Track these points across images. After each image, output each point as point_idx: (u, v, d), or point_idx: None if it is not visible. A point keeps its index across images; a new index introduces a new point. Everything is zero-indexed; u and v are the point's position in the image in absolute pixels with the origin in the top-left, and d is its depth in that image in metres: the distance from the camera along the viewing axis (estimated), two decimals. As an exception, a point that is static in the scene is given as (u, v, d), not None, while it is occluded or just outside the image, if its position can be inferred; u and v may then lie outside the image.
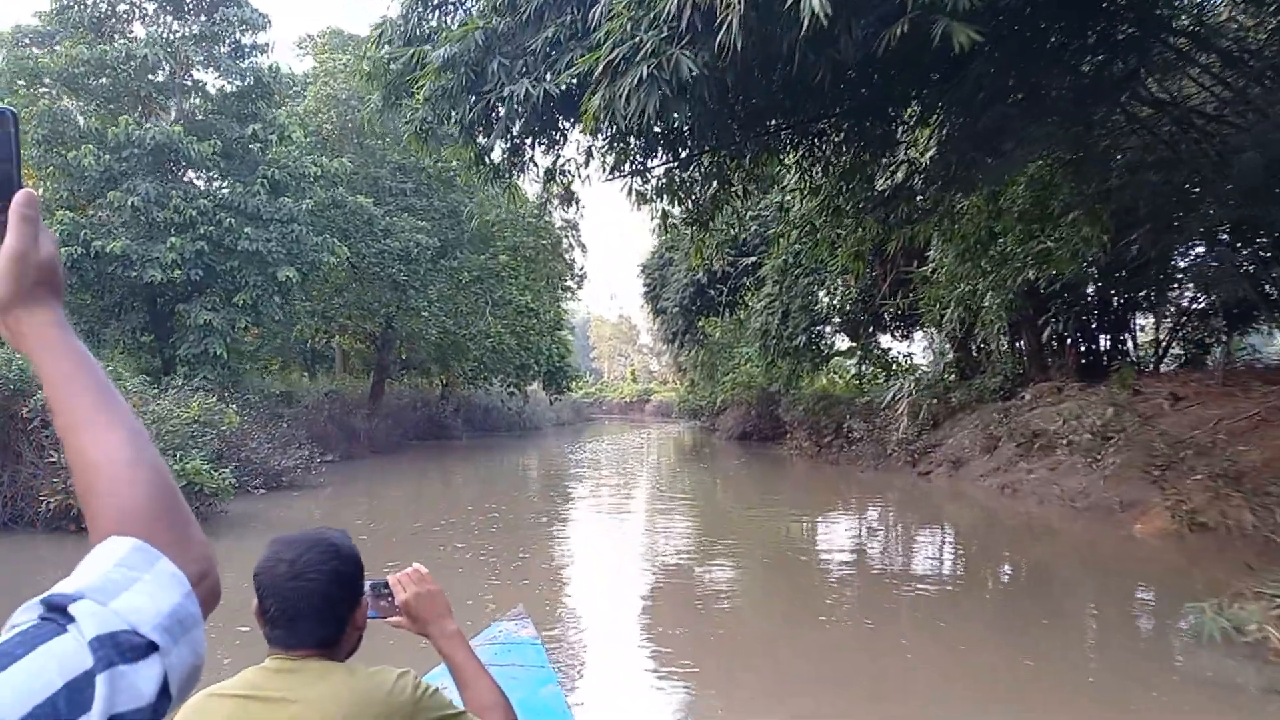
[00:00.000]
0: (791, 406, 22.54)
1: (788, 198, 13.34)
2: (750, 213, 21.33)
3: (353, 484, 15.36)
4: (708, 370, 27.70)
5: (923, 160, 10.25)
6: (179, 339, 15.91)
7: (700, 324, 23.34)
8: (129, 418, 0.69)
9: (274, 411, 16.75)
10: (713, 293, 21.59)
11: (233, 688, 1.42)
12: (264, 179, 16.44)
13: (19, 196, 0.67)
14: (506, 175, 9.31)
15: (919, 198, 10.52)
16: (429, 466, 20.06)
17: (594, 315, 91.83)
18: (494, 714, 1.56)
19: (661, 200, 10.62)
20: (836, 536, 11.94)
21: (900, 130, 10.13)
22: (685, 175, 10.59)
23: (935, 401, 17.20)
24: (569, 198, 9.71)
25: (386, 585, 1.65)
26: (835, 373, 26.59)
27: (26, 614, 0.56)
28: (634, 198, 10.53)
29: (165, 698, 0.57)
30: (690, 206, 10.78)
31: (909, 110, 9.85)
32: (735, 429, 30.14)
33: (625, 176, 10.45)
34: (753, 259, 20.68)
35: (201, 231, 15.48)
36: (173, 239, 15.06)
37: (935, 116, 9.56)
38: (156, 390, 11.92)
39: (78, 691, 0.51)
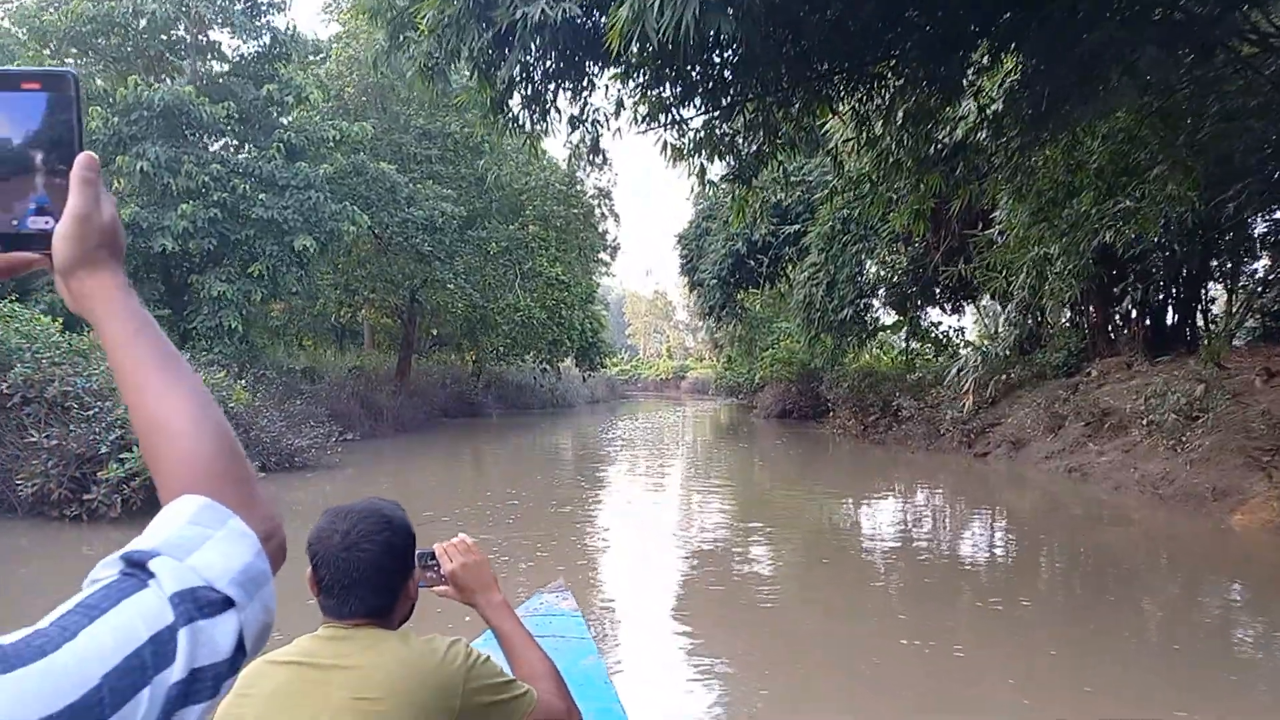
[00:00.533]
0: (835, 384, 21.42)
1: (840, 152, 12.24)
2: (794, 177, 20.20)
3: (375, 464, 14.60)
4: (746, 346, 26.63)
5: (993, 108, 9.10)
6: (193, 312, 15.23)
7: (739, 297, 22.26)
8: (192, 379, 0.69)
9: (294, 388, 16.06)
10: (752, 263, 20.47)
11: (287, 655, 1.43)
12: (280, 143, 15.66)
13: (80, 159, 0.67)
14: (526, 125, 8.37)
15: (988, 151, 9.38)
16: (458, 445, 19.32)
17: (629, 291, 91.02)
18: (542, 681, 1.57)
19: (700, 156, 9.60)
20: (884, 521, 10.94)
21: (969, 73, 8.98)
22: (726, 127, 9.56)
23: (1004, 378, 16.00)
24: (596, 151, 8.70)
25: (433, 555, 1.67)
26: (880, 349, 25.42)
27: (107, 569, 0.57)
28: (669, 153, 9.54)
29: (240, 652, 0.58)
30: (731, 162, 9.73)
31: (979, 52, 8.70)
32: (774, 407, 29.07)
33: (659, 128, 9.47)
34: (796, 227, 19.53)
35: (214, 198, 14.75)
36: (184, 206, 14.34)
37: (1011, 56, 8.40)
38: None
39: (162, 645, 0.53)
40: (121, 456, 7.79)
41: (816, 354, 20.95)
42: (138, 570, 0.56)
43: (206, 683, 0.55)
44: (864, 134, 9.08)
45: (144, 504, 7.79)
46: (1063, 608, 6.67)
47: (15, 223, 0.67)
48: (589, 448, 21.41)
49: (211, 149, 15.78)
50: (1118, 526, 9.89)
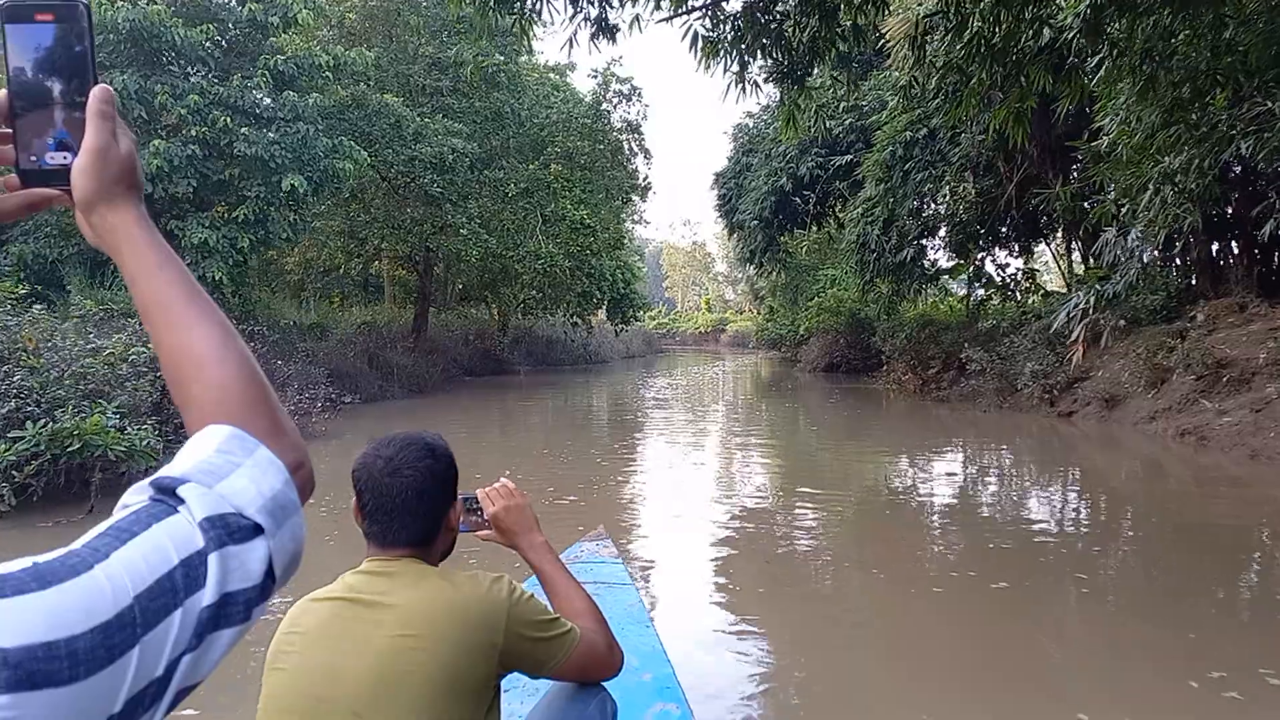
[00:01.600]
0: (890, 334, 19.39)
1: (907, 58, 10.16)
2: (845, 101, 18.02)
3: (373, 432, 12.98)
4: (790, 295, 24.59)
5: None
6: (175, 262, 13.70)
7: (783, 240, 20.25)
8: (215, 311, 0.70)
9: (290, 347, 14.54)
10: (798, 201, 18.40)
11: (331, 591, 1.44)
12: (266, 70, 13.92)
13: (95, 92, 0.67)
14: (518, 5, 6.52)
15: (1107, 34, 7.30)
16: (479, 406, 17.75)
17: (666, 243, 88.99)
18: (585, 619, 1.59)
19: (739, 49, 7.66)
20: (949, 490, 9.19)
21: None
22: (773, 11, 7.60)
23: (1123, 322, 13.92)
24: (605, 32, 6.84)
25: (476, 499, 1.70)
26: (938, 296, 23.24)
27: (137, 495, 0.58)
28: (701, 47, 7.63)
29: (270, 579, 0.59)
30: (779, 57, 7.78)
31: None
32: (820, 360, 27.10)
33: (688, 13, 7.56)
34: (847, 158, 17.40)
35: (192, 133, 13.12)
36: (157, 142, 12.72)
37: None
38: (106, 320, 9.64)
39: (192, 569, 0.54)
40: (12, 435, 6.18)
41: (870, 301, 18.90)
42: (167, 496, 0.57)
43: (238, 607, 0.56)
44: (952, 10, 7.03)
45: (47, 494, 6.22)
46: (1175, 610, 4.80)
47: (35, 159, 0.68)
48: (624, 406, 19.75)
49: (191, 79, 14.10)
50: (1261, 512, 7.91)
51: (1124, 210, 8.69)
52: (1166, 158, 7.57)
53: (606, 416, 17.41)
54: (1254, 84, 7.89)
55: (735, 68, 7.72)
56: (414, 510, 1.46)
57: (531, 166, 19.33)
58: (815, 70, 7.78)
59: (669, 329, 69.15)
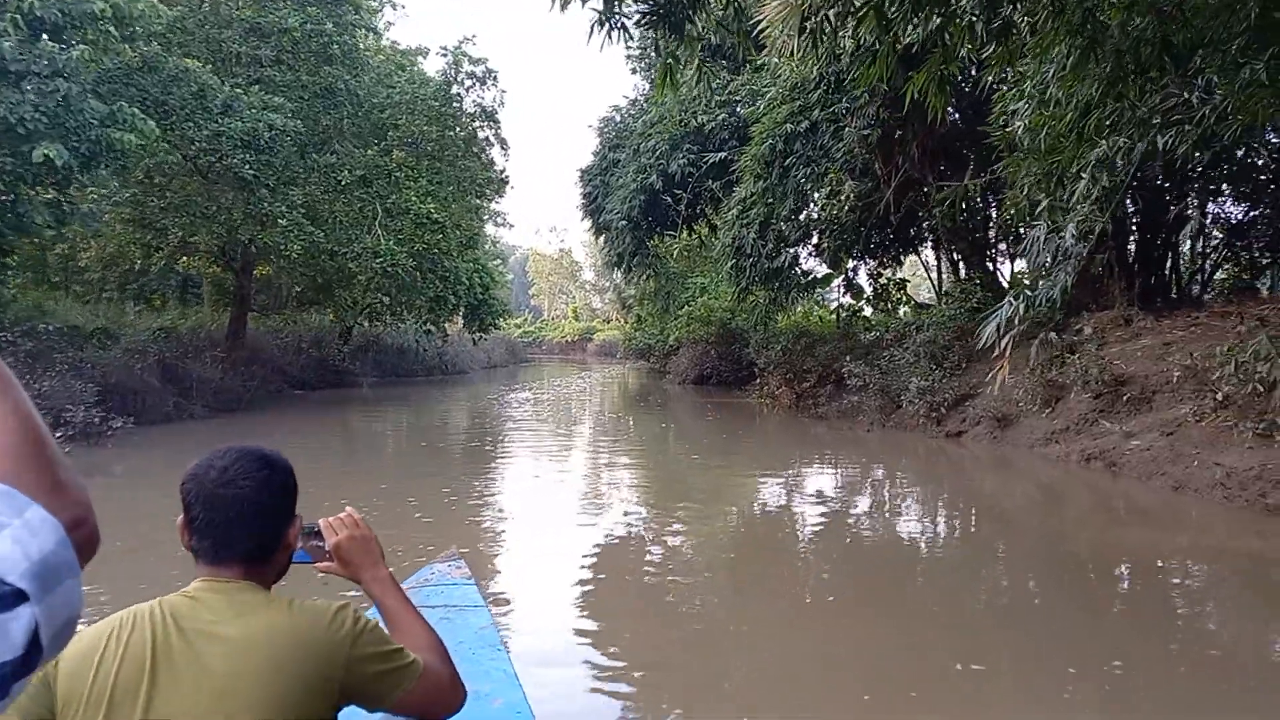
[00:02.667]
0: (765, 346, 18.18)
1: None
2: (719, 95, 16.66)
3: (153, 465, 10.44)
4: (661, 302, 23.12)
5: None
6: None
7: (652, 244, 18.75)
8: None
9: (44, 357, 11.75)
10: (668, 200, 16.87)
11: (153, 616, 1.28)
12: (17, 14, 11.16)
13: None
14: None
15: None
16: (308, 426, 15.25)
17: (532, 249, 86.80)
18: (428, 654, 1.48)
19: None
20: (824, 514, 8.25)
21: None
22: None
23: (1053, 335, 13.06)
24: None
25: (318, 528, 1.59)
26: (810, 306, 22.32)
27: None
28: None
29: (36, 649, 0.55)
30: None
31: None
32: (690, 372, 25.80)
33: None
34: (721, 155, 16.01)
35: (-93, 87, 10.28)
36: None
37: None
38: None
39: None
40: None
41: (745, 311, 17.60)
42: None
43: None
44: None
45: None
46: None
47: None
48: (480, 423, 17.70)
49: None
50: (1199, 555, 6.79)
51: (1040, 206, 7.47)
52: (1102, 140, 6.34)
53: (461, 435, 15.32)
54: (1190, 62, 6.79)
55: (599, 2, 5.98)
56: (249, 524, 1.36)
57: (371, 152, 16.99)
58: (697, 18, 6.13)
59: (535, 337, 67.13)
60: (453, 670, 1.52)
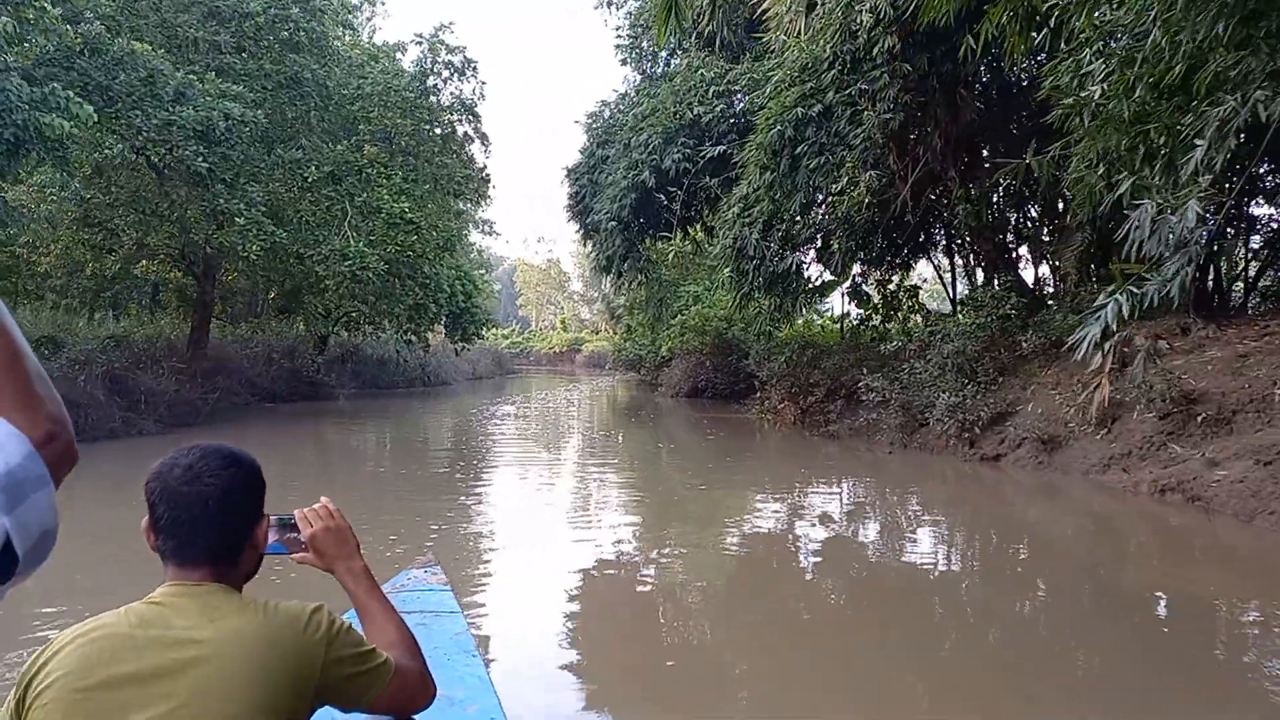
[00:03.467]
0: (766, 358, 16.90)
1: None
2: (718, 85, 15.39)
3: (75, 488, 9.03)
4: (654, 310, 21.81)
5: None
6: None
7: (644, 247, 17.47)
8: None
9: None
10: (662, 199, 15.55)
11: (121, 624, 1.24)
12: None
13: None
14: None
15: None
16: (276, 440, 13.83)
17: (520, 260, 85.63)
18: (399, 649, 1.49)
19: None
20: (837, 543, 7.17)
21: None
22: None
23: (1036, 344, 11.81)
24: None
25: (293, 519, 1.58)
26: (804, 316, 21.04)
27: None
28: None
29: (10, 557, 0.55)
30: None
31: None
32: (683, 384, 24.51)
33: None
34: (720, 148, 14.73)
35: None
36: None
37: None
38: None
39: None
40: None
41: (748, 319, 16.29)
42: None
43: None
44: None
45: None
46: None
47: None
48: (463, 438, 16.33)
49: None
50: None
51: (1121, 187, 6.15)
52: (1227, 97, 5.05)
53: (441, 452, 13.91)
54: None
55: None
56: (216, 522, 1.32)
57: (340, 147, 15.61)
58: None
59: (522, 348, 65.76)
60: (424, 666, 1.52)
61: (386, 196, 15.37)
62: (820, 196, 12.80)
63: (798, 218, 13.11)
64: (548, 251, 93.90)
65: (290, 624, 1.30)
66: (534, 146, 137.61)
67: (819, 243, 14.98)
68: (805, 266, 13.73)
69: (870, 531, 7.93)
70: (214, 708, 1.19)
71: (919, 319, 18.12)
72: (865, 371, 13.09)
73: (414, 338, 25.02)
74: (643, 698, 3.99)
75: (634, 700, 3.97)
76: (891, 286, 18.08)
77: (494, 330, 61.81)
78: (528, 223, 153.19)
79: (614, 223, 16.06)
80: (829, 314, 23.40)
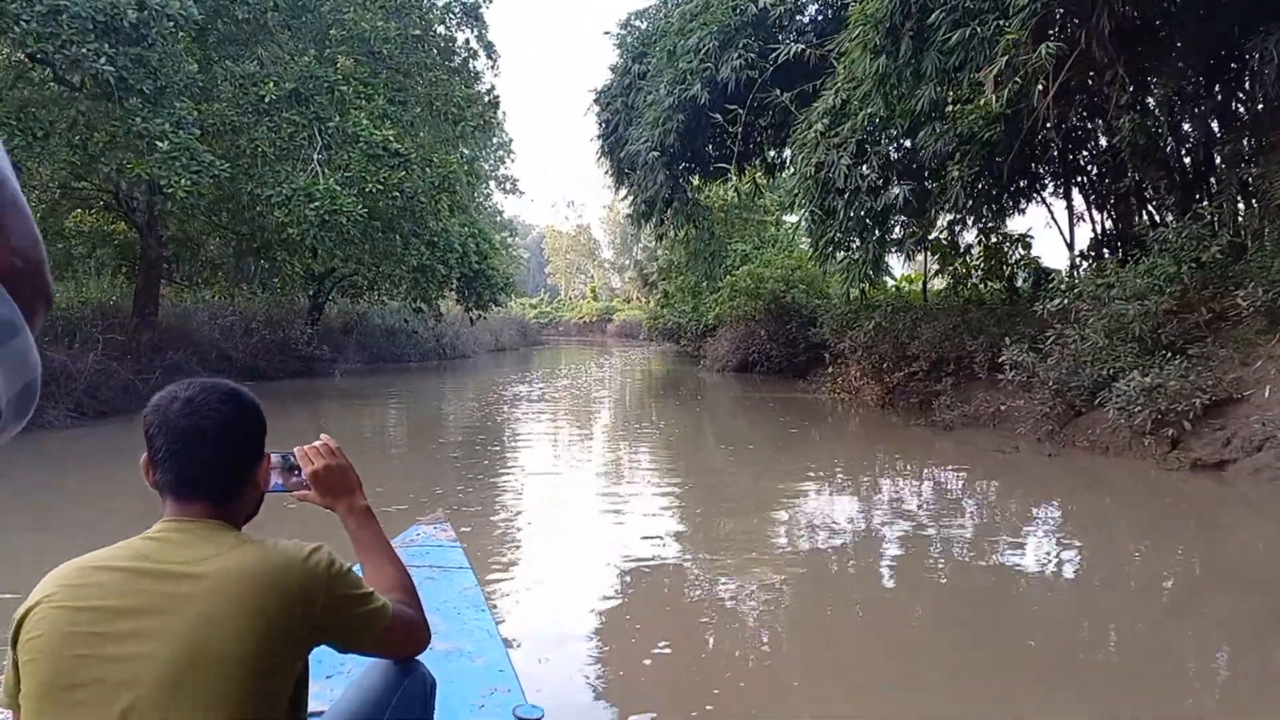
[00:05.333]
0: (847, 323, 13.49)
1: None
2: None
3: None
4: (704, 266, 18.35)
5: None
6: None
7: (694, 186, 14.03)
8: None
9: None
10: (719, 119, 12.05)
11: (117, 558, 1.23)
12: None
13: None
14: None
15: None
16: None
17: (549, 227, 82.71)
18: (398, 593, 1.49)
19: None
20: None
21: None
22: None
23: (1206, 309, 8.37)
24: None
25: (294, 456, 1.58)
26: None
27: None
28: None
29: None
30: None
31: None
32: (730, 357, 21.13)
33: None
34: (798, 48, 11.21)
35: None
36: None
37: None
38: None
39: None
40: None
41: (832, 272, 12.82)
42: None
43: None
44: None
45: None
46: None
47: None
48: (477, 420, 13.20)
49: None
50: None
51: None
52: None
53: (452, 434, 10.73)
54: None
55: None
56: (215, 456, 1.30)
57: (307, 58, 12.28)
58: None
59: (550, 318, 62.91)
60: (420, 611, 1.51)
61: (366, 122, 12.04)
62: (947, 98, 9.24)
63: (905, 141, 9.61)
64: (577, 217, 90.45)
65: (290, 562, 1.26)
66: (562, 103, 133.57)
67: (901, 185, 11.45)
68: (910, 203, 10.23)
69: (1046, 584, 4.59)
70: (208, 644, 1.16)
71: (1025, 281, 14.65)
72: (1008, 342, 9.61)
73: (423, 305, 21.87)
74: (656, 669, 3.46)
75: (646, 670, 3.45)
76: (995, 238, 14.56)
77: (521, 299, 58.86)
78: (556, 188, 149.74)
79: (655, 153, 12.62)
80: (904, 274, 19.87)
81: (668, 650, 3.67)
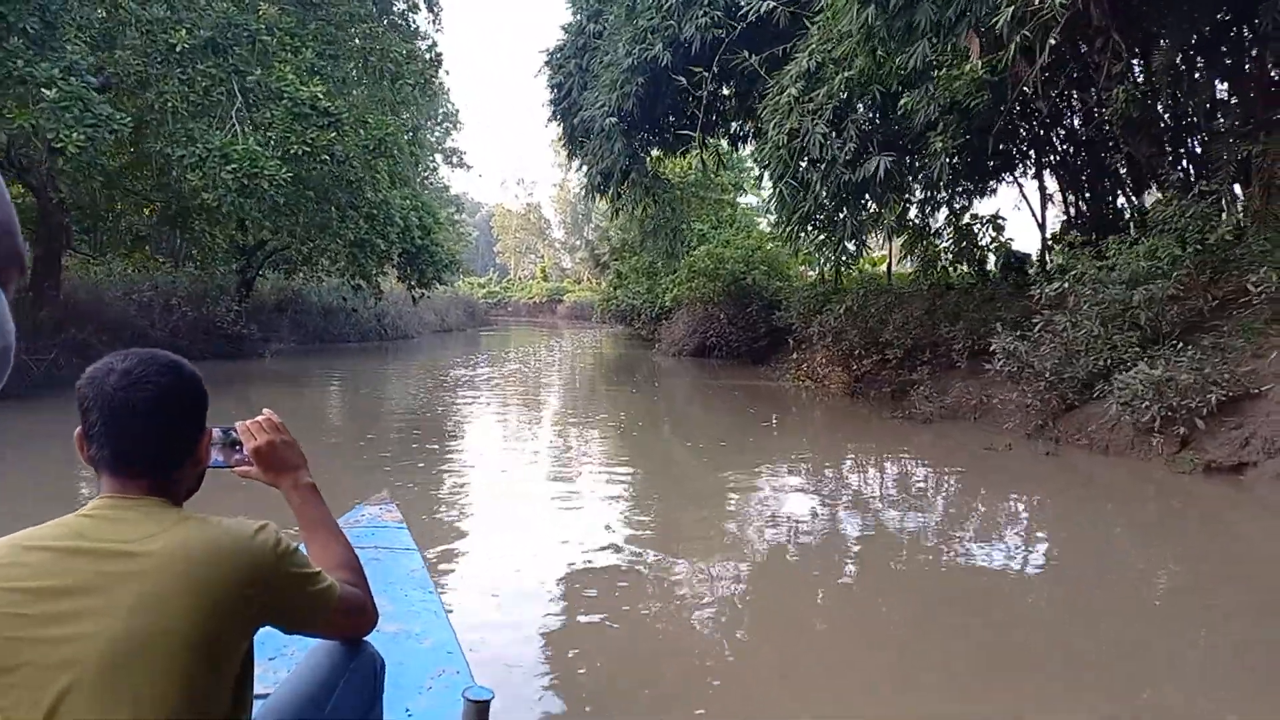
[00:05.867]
0: (816, 307, 12.72)
1: None
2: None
3: None
4: (666, 242, 17.38)
5: None
6: None
7: (654, 158, 13.07)
8: None
9: None
10: (683, 83, 11.08)
11: (50, 536, 1.18)
12: None
13: None
14: None
15: None
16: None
17: (499, 205, 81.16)
18: (345, 572, 1.46)
19: None
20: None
21: None
22: None
23: (1206, 298, 7.75)
24: None
25: (235, 431, 1.54)
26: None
27: None
28: None
29: None
30: None
31: None
32: (687, 341, 20.28)
33: None
34: (767, 4, 10.29)
35: None
36: None
37: None
38: None
39: None
40: None
41: (810, 254, 12.00)
42: None
43: None
44: None
45: None
46: None
47: None
48: (422, 404, 12.15)
49: None
50: None
51: None
52: None
53: (393, 425, 9.68)
54: None
55: None
56: (155, 430, 1.24)
57: (224, 4, 11.00)
58: None
59: (499, 298, 61.56)
60: (367, 591, 1.48)
61: (292, 77, 10.80)
62: (941, 56, 8.39)
63: (879, 113, 8.78)
64: (528, 195, 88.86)
65: (236, 540, 1.23)
66: (510, 78, 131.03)
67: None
68: (892, 176, 9.41)
69: (1049, 597, 3.82)
70: (152, 624, 1.12)
71: (994, 263, 14.05)
72: (1000, 329, 8.87)
73: (362, 282, 20.61)
74: (605, 655, 3.42)
75: (595, 655, 3.40)
76: (965, 219, 13.90)
77: (469, 279, 57.30)
78: (507, 165, 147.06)
79: (612, 119, 11.61)
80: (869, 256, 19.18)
81: (618, 635, 3.61)
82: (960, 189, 11.87)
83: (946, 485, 7.11)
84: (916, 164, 10.01)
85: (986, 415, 9.37)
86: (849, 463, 8.24)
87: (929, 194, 11.00)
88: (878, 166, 8.97)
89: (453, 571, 4.45)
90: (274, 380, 15.24)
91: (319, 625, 1.37)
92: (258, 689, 1.32)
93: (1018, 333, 8.51)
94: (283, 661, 1.94)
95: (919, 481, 7.31)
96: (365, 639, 1.53)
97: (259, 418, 1.56)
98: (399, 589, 2.42)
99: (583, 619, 3.77)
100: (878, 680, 3.32)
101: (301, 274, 23.09)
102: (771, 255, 18.18)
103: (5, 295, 0.49)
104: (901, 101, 9.32)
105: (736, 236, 20.03)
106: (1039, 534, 5.68)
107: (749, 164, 24.61)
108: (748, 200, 26.75)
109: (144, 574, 1.13)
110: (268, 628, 1.29)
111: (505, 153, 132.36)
